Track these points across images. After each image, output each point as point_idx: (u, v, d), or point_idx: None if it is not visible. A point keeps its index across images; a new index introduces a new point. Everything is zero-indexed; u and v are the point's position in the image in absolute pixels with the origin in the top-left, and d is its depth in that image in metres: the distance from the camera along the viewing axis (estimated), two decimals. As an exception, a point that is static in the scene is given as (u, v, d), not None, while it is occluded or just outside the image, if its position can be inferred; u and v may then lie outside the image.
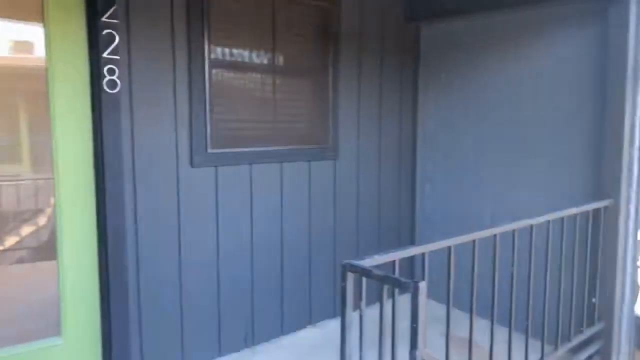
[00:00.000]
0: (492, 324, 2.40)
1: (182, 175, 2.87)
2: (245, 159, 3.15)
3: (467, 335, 2.36)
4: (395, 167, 4.06)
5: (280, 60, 3.31)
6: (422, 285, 1.60)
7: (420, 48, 4.10)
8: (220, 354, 3.07)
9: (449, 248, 2.18)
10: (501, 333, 2.56)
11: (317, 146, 3.56)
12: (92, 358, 2.73)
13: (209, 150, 2.99)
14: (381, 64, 3.87)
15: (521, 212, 2.70)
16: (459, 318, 2.39)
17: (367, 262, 1.88)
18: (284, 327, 3.39)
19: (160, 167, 2.79)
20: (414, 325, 1.61)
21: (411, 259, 4.06)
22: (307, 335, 3.41)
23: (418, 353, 1.61)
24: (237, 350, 3.14)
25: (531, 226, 2.56)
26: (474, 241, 2.28)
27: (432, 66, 4.04)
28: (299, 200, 3.44)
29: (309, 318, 3.53)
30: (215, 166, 3.02)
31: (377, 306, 1.86)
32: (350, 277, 1.84)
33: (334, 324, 3.56)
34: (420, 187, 4.19)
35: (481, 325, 2.53)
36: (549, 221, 2.64)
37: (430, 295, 4.05)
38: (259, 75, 3.23)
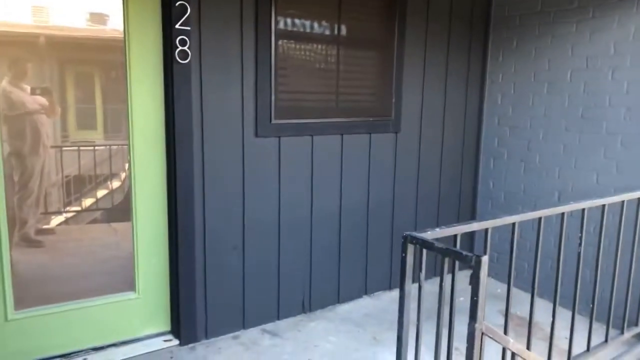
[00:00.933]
0: (555, 304, 2.35)
1: (247, 144, 2.97)
2: (307, 130, 3.20)
3: (527, 314, 2.33)
4: (459, 141, 3.97)
5: (344, 30, 3.30)
6: (484, 259, 1.59)
7: (492, 14, 3.93)
8: (278, 318, 3.20)
9: (513, 225, 2.14)
10: (563, 314, 2.51)
11: (379, 119, 3.54)
12: (162, 311, 2.94)
13: (273, 121, 3.06)
14: (449, 33, 3.75)
15: (591, 192, 2.59)
16: (520, 297, 2.35)
17: (429, 235, 1.89)
18: (340, 295, 3.47)
19: (227, 136, 2.89)
20: (475, 298, 1.61)
21: (471, 235, 4.02)
22: (363, 304, 3.48)
23: (477, 325, 1.61)
24: (294, 315, 3.26)
25: (603, 206, 2.45)
26: (540, 219, 2.22)
27: (504, 35, 3.86)
28: (358, 172, 3.46)
29: (364, 288, 3.59)
30: (279, 136, 3.09)
31: (434, 281, 1.88)
32: (411, 248, 1.85)
33: (389, 296, 3.60)
34: (484, 162, 4.08)
35: (542, 306, 2.48)
36: (623, 201, 2.51)
37: (490, 273, 4.01)
38: (323, 46, 3.24)
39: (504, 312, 2.20)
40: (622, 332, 2.60)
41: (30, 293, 3.03)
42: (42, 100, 4.50)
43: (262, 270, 3.11)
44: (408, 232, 1.88)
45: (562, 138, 3.50)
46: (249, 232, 3.03)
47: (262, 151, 3.03)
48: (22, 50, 3.69)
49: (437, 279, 1.85)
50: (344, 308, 3.43)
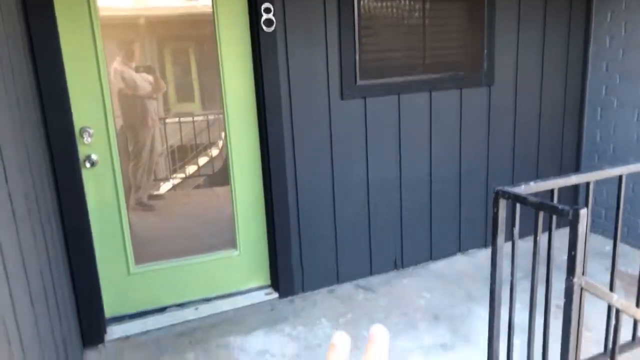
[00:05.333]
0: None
1: (333, 107, 3.01)
2: (393, 89, 3.17)
3: (637, 272, 2.19)
4: (560, 91, 3.69)
5: (429, -19, 3.16)
6: (583, 213, 1.51)
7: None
8: (371, 274, 3.29)
9: (620, 177, 1.99)
10: None
11: (470, 72, 3.39)
12: (262, 267, 3.16)
13: (358, 83, 3.06)
14: (545, -27, 3.45)
15: None
16: (632, 255, 2.20)
17: (522, 189, 1.83)
18: (433, 253, 3.47)
19: (313, 100, 2.96)
20: (572, 252, 1.55)
21: (575, 191, 3.79)
22: (456, 262, 3.46)
23: (576, 280, 1.56)
24: (387, 271, 3.34)
25: None
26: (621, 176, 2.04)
27: (610, -30, 3.48)
28: (449, 129, 3.37)
29: (458, 246, 3.56)
30: (364, 97, 3.10)
31: (530, 239, 1.82)
32: (503, 203, 1.81)
33: (484, 254, 3.53)
34: (590, 112, 3.77)
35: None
36: None
37: (597, 230, 3.78)
38: (407, 2, 3.14)
39: (621, 274, 2.09)
40: None
41: (147, 251, 3.39)
42: (149, 77, 4.88)
43: (354, 228, 3.20)
44: (500, 187, 1.83)
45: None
46: (339, 193, 3.11)
47: (349, 113, 3.07)
48: (128, 32, 4.01)
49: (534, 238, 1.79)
50: (437, 265, 3.43)
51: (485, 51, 3.38)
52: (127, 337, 2.71)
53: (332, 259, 3.18)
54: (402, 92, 3.19)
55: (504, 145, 3.57)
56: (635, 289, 2.22)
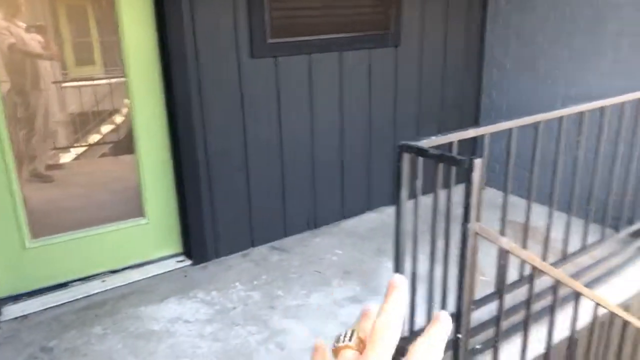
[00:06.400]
0: (551, 207, 2.40)
1: (243, 66, 2.92)
2: (305, 49, 3.13)
3: (531, 222, 2.39)
4: (462, 52, 3.86)
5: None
6: (478, 162, 1.61)
7: None
8: (286, 235, 3.32)
9: (510, 130, 2.13)
10: (563, 218, 2.56)
11: (378, 32, 3.44)
12: (173, 234, 3.06)
13: (269, 40, 2.99)
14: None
15: (596, 97, 2.53)
16: (522, 205, 2.40)
17: (424, 143, 1.90)
18: (344, 211, 3.56)
19: (222, 58, 2.85)
20: (468, 200, 1.65)
21: (473, 146, 4.02)
22: (367, 219, 3.58)
23: (470, 225, 1.67)
24: (300, 232, 3.38)
25: (602, 108, 2.42)
26: (536, 123, 2.21)
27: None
28: (359, 88, 3.42)
29: (368, 204, 3.67)
30: (275, 56, 3.04)
31: (432, 195, 1.90)
32: (406, 157, 1.88)
33: (393, 210, 3.68)
34: (488, 72, 3.99)
35: (542, 211, 2.53)
36: (623, 103, 2.48)
37: (492, 184, 4.04)
38: (315, -43, 3.09)
39: (511, 222, 2.26)
40: (618, 231, 2.67)
41: (46, 224, 3.16)
42: (39, 37, 4.42)
43: (267, 190, 3.18)
44: (403, 141, 1.89)
45: (568, 43, 3.38)
46: (251, 154, 3.06)
47: (260, 72, 2.99)
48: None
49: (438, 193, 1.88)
50: (349, 223, 3.53)
51: (393, 11, 3.43)
52: (24, 317, 2.53)
53: (246, 223, 3.15)
54: (314, 52, 3.17)
55: (411, 103, 3.70)
56: (521, 234, 2.44)
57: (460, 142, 1.97)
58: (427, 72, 3.72)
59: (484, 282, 2.51)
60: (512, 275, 2.21)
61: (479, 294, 2.17)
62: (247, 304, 2.61)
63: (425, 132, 3.76)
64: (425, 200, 1.90)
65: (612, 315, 2.33)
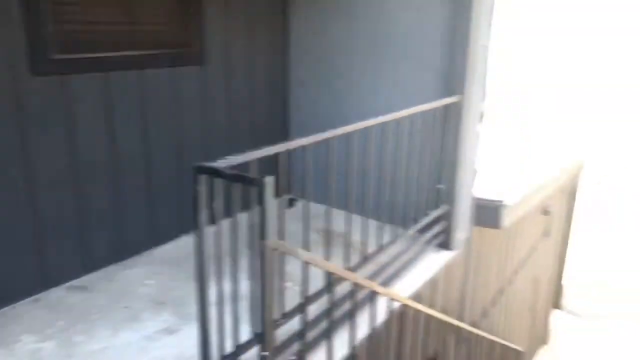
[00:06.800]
0: (350, 214, 2.59)
1: (22, 84, 2.56)
2: (100, 66, 2.89)
3: (341, 229, 2.55)
4: (269, 72, 3.99)
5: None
6: (268, 180, 1.64)
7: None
8: (87, 271, 2.97)
9: (303, 147, 2.25)
10: (368, 223, 2.78)
11: (181, 50, 3.35)
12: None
13: (54, 56, 2.68)
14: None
15: (386, 112, 2.86)
16: (333, 214, 2.55)
17: (221, 163, 1.89)
18: (156, 238, 3.35)
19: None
20: (262, 217, 1.67)
21: (287, 167, 4.15)
22: (181, 244, 3.42)
23: (268, 243, 1.69)
24: (105, 265, 3.06)
25: (384, 123, 2.71)
26: (328, 139, 2.37)
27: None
28: (163, 108, 3.27)
29: (183, 227, 3.50)
30: (63, 74, 2.74)
31: (243, 214, 1.88)
32: (202, 178, 1.84)
33: (210, 231, 3.60)
34: (294, 91, 4.19)
35: (348, 217, 2.71)
36: (401, 118, 2.81)
37: (307, 196, 4.18)
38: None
39: (318, 230, 2.37)
40: (408, 230, 3.02)
41: None
42: None
43: (61, 222, 2.83)
44: (199, 163, 1.85)
45: (360, 64, 3.74)
46: (38, 187, 2.69)
47: (44, 91, 2.66)
48: None
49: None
50: (163, 250, 3.35)
51: (195, 30, 3.38)
52: None
53: (35, 263, 2.74)
54: (112, 69, 2.95)
55: (221, 123, 3.68)
56: (335, 242, 2.59)
57: (270, 160, 2.01)
58: (235, 91, 3.75)
59: (296, 290, 2.59)
60: (319, 283, 2.32)
61: (291, 304, 2.23)
62: (37, 359, 2.26)
63: (237, 151, 3.78)
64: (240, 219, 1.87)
65: (405, 307, 2.61)
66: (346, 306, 2.35)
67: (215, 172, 1.81)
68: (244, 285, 1.95)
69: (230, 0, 3.58)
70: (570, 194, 7.28)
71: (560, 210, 6.82)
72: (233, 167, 1.91)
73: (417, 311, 2.72)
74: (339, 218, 2.58)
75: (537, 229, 6.01)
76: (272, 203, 1.69)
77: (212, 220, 1.86)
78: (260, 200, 1.66)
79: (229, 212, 1.84)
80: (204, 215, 1.85)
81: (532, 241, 5.95)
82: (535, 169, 4.70)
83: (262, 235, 1.69)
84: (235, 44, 3.69)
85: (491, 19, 3.24)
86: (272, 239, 1.71)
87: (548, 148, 5.94)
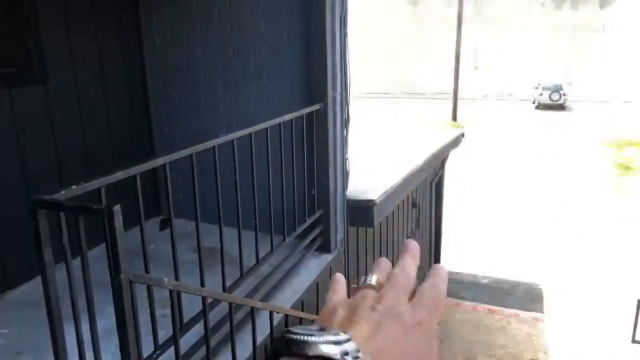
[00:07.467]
0: (220, 228, 2.52)
1: None
2: None
3: (216, 245, 2.45)
4: (124, 87, 3.74)
5: None
6: (116, 209, 1.52)
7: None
8: None
9: (165, 165, 2.14)
10: (245, 235, 2.71)
11: (17, 69, 3.01)
12: None
13: None
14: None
15: (252, 124, 2.83)
16: (209, 229, 2.46)
17: (63, 195, 1.71)
18: (8, 281, 2.97)
19: None
20: (114, 249, 1.55)
21: (153, 182, 3.95)
22: (38, 283, 3.07)
23: (123, 275, 1.57)
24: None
25: (250, 134, 2.68)
26: (191, 155, 2.28)
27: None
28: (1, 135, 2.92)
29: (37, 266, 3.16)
30: None
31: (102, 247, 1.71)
32: (43, 213, 1.65)
33: (78, 265, 3.28)
34: (155, 106, 3.99)
35: (225, 232, 2.62)
36: (267, 128, 2.81)
37: (180, 215, 4.03)
38: None
39: (194, 248, 2.26)
40: (285, 238, 3.02)
41: None
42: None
43: None
44: (36, 196, 1.66)
45: (221, 76, 3.67)
46: None
47: None
48: None
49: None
50: (18, 292, 2.98)
51: (32, 46, 3.06)
52: None
53: None
54: None
55: (75, 146, 3.37)
56: (213, 260, 2.50)
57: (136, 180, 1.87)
58: (90, 110, 3.46)
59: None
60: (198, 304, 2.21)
61: (164, 334, 2.09)
62: None
63: (98, 174, 3.50)
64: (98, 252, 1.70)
65: (287, 317, 2.60)
66: (226, 328, 2.28)
67: (56, 205, 1.64)
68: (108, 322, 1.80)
69: (71, 13, 3.29)
70: (437, 184, 7.86)
71: (426, 202, 7.31)
72: (77, 197, 1.74)
73: (302, 319, 2.73)
74: (215, 234, 2.50)
75: (409, 221, 6.41)
76: (122, 234, 1.56)
77: (65, 257, 1.69)
78: (111, 231, 1.53)
79: (79, 248, 1.68)
80: (48, 254, 1.67)
81: (407, 233, 6.33)
82: (400, 165, 4.98)
83: (116, 267, 1.56)
84: (85, 60, 3.40)
85: (346, 28, 3.36)
86: (127, 271, 1.59)
87: (409, 144, 6.37)
